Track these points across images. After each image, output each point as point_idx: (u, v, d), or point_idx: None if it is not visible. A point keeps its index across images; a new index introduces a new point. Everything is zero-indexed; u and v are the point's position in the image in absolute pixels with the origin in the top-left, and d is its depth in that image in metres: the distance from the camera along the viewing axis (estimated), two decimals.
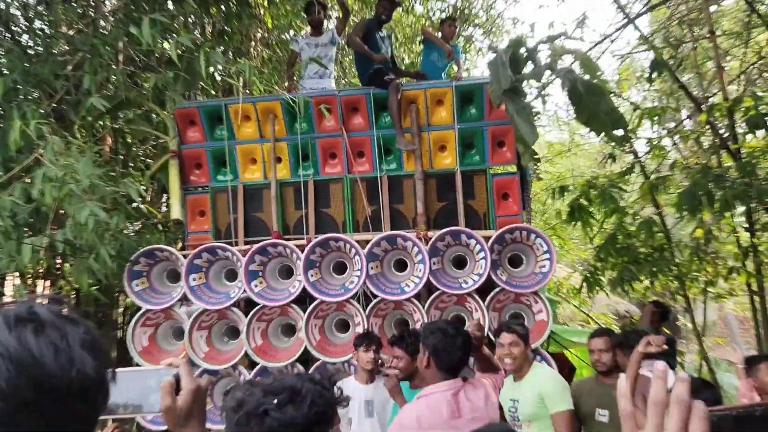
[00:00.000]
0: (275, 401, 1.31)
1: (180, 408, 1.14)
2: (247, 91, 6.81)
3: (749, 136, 5.12)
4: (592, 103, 3.69)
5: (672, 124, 8.00)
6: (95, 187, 3.72)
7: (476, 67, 11.60)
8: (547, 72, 3.90)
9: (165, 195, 7.45)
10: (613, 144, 5.15)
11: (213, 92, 6.76)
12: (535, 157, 4.26)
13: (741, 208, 5.75)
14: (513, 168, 4.63)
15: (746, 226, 5.56)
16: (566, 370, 4.35)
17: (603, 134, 3.93)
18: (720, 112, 5.35)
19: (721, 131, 5.80)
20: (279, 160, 4.68)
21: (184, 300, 4.26)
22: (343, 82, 9.16)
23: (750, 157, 5.06)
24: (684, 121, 8.47)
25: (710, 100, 6.34)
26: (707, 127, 5.99)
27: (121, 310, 9.09)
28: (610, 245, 5.72)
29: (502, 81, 3.72)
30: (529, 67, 3.96)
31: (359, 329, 4.07)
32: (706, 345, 7.03)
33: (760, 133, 5.21)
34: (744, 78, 6.25)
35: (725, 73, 6.05)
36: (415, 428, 2.40)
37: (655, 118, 5.12)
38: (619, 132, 3.93)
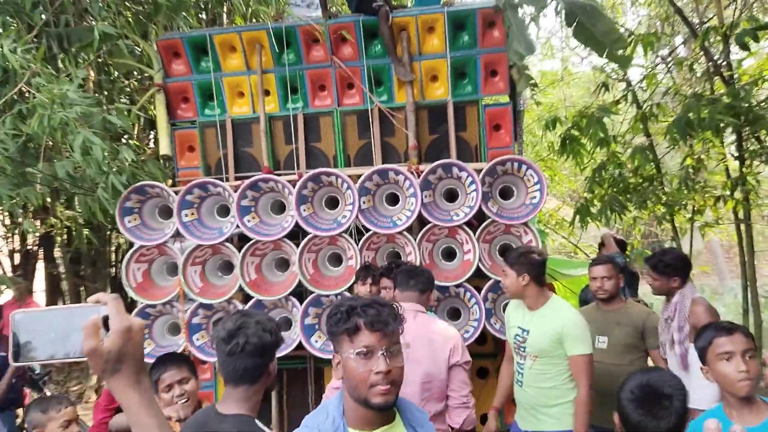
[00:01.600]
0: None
1: (107, 351, 0.99)
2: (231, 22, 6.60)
3: (745, 62, 5.05)
4: (590, 25, 3.62)
5: (665, 52, 7.86)
6: (88, 116, 3.65)
7: None
8: None
9: (152, 131, 7.35)
10: (613, 65, 5.07)
11: (197, 23, 6.55)
12: (531, 82, 4.18)
13: (731, 138, 5.75)
14: (505, 98, 4.57)
15: (736, 154, 5.57)
16: None
17: (604, 54, 3.88)
18: (716, 35, 5.24)
19: (715, 58, 5.71)
20: (267, 93, 4.58)
21: (177, 236, 4.27)
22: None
23: (743, 83, 5.01)
24: (678, 47, 8.34)
25: (705, 25, 6.21)
26: (701, 53, 5.89)
27: (113, 248, 9.12)
28: (599, 175, 5.74)
29: None
30: None
31: (352, 262, 4.12)
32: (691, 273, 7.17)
33: (751, 62, 5.15)
34: (741, 2, 6.10)
35: None
36: None
37: (649, 45, 5.01)
38: (621, 49, 3.89)
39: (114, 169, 3.95)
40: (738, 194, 5.53)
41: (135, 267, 4.30)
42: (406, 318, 1.84)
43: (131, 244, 4.37)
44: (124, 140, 6.78)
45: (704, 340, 2.24)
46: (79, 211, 4.72)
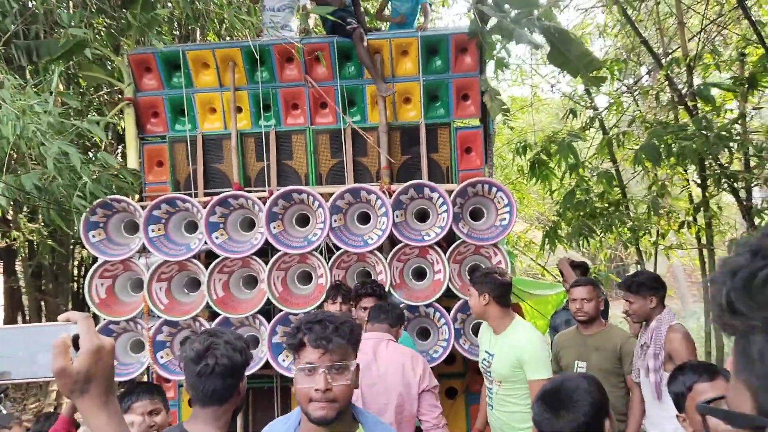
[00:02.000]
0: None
1: (76, 371, 0.97)
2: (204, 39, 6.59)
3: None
4: (564, 49, 3.71)
5: (631, 81, 8.09)
6: (59, 126, 3.58)
7: (440, 18, 11.45)
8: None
9: (121, 145, 7.25)
10: (581, 93, 5.19)
11: (170, 39, 6.52)
12: (504, 108, 4.26)
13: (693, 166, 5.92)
14: (476, 122, 4.64)
15: (698, 181, 5.74)
16: None
17: (579, 76, 3.97)
18: (680, 65, 5.42)
19: (679, 87, 5.90)
20: (239, 110, 4.57)
21: (143, 251, 4.19)
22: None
23: (706, 113, 5.18)
24: (644, 77, 8.59)
25: (670, 56, 6.42)
26: (666, 83, 6.08)
27: (76, 263, 8.91)
28: (569, 200, 5.85)
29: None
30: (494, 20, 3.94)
31: (322, 281, 4.10)
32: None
33: (715, 92, 5.33)
34: (704, 35, 6.33)
35: (686, 29, 6.12)
36: None
37: (616, 72, 5.16)
38: (594, 73, 3.99)
39: (94, 176, 3.87)
40: (701, 220, 5.67)
41: (98, 282, 4.20)
42: (362, 337, 1.86)
43: (95, 259, 4.27)
44: (91, 154, 6.66)
45: (682, 385, 2.05)
46: (43, 223, 4.61)
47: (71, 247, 8.08)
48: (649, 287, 3.40)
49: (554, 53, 3.83)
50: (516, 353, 3.04)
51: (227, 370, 1.87)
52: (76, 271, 9.08)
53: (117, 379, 4.10)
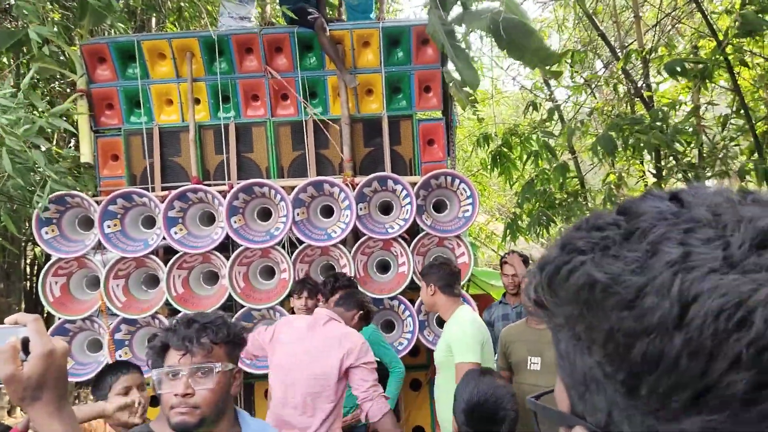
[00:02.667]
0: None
1: (27, 377, 0.92)
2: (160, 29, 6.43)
3: (662, 86, 5.35)
4: (523, 42, 3.73)
5: (588, 73, 8.22)
6: (14, 124, 3.42)
7: (401, 10, 11.43)
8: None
9: (73, 138, 7.02)
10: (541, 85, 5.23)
11: (124, 28, 6.33)
12: (471, 99, 4.26)
13: (649, 156, 6.06)
14: (438, 114, 4.63)
15: (654, 172, 5.87)
16: None
17: (537, 68, 4.01)
18: (637, 58, 5.53)
19: (636, 79, 6.02)
20: (197, 101, 4.46)
21: (98, 248, 4.07)
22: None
23: (662, 105, 5.30)
24: (600, 70, 8.74)
25: (627, 48, 6.54)
26: (623, 75, 6.20)
27: (28, 261, 8.65)
28: (528, 191, 5.92)
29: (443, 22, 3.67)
30: (456, 11, 3.93)
31: (285, 275, 4.05)
32: None
33: (669, 84, 5.46)
34: (659, 29, 6.47)
35: (642, 22, 6.25)
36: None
37: (579, 61, 5.24)
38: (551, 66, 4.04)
39: (58, 176, 3.73)
40: None
41: (53, 280, 4.07)
42: (248, 335, 1.85)
43: (48, 257, 4.13)
44: (44, 148, 6.43)
45: None
46: None
47: (23, 244, 7.81)
48: None
49: (512, 45, 3.84)
50: (446, 338, 3.05)
51: None
52: (28, 269, 8.78)
53: (75, 379, 3.99)
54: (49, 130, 4.61)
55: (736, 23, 4.11)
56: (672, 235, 0.42)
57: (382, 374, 3.38)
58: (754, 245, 0.40)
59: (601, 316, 0.43)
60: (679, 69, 4.19)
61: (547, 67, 4.07)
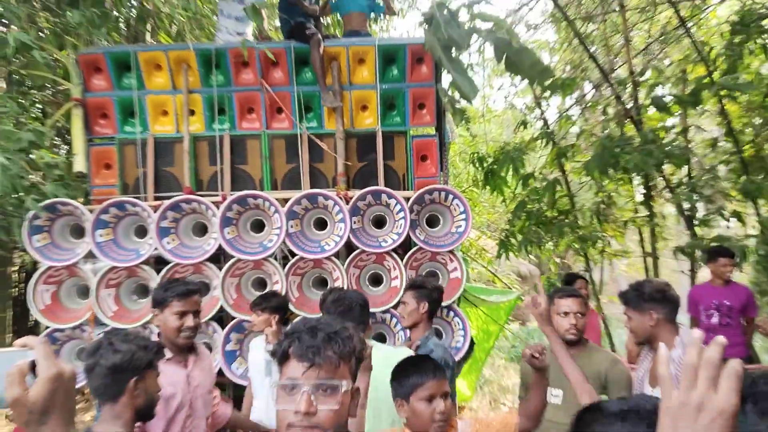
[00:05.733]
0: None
1: (33, 401, 0.91)
2: (154, 41, 6.44)
3: (651, 109, 5.45)
4: (518, 60, 3.80)
5: (578, 94, 8.34)
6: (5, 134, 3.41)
7: (395, 28, 11.55)
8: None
9: (67, 146, 6.99)
10: (530, 105, 5.30)
11: (119, 39, 6.35)
12: (465, 117, 4.32)
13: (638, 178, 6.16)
14: (432, 130, 4.68)
15: (644, 191, 5.96)
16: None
17: (535, 83, 4.08)
18: (626, 85, 5.64)
19: (625, 102, 6.12)
20: (192, 113, 4.48)
21: (89, 257, 4.05)
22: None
23: (651, 128, 5.39)
24: (590, 92, 8.87)
25: (616, 71, 6.66)
26: (613, 97, 6.31)
27: (16, 268, 8.54)
28: (520, 210, 5.97)
29: (444, 35, 3.72)
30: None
31: (277, 287, 4.05)
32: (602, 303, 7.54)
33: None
34: (647, 53, 6.60)
35: (631, 47, 6.37)
36: None
37: (569, 87, 5.32)
38: (548, 80, 4.12)
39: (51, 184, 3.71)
40: (645, 229, 5.89)
41: (43, 288, 4.04)
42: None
43: (36, 264, 4.10)
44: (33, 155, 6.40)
45: None
46: None
47: (11, 251, 7.73)
48: (648, 299, 2.71)
49: (509, 62, 3.92)
50: None
51: (108, 370, 2.00)
52: (16, 276, 8.68)
53: None
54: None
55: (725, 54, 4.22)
56: None
57: None
58: None
59: None
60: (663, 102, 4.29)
61: (544, 82, 4.15)
